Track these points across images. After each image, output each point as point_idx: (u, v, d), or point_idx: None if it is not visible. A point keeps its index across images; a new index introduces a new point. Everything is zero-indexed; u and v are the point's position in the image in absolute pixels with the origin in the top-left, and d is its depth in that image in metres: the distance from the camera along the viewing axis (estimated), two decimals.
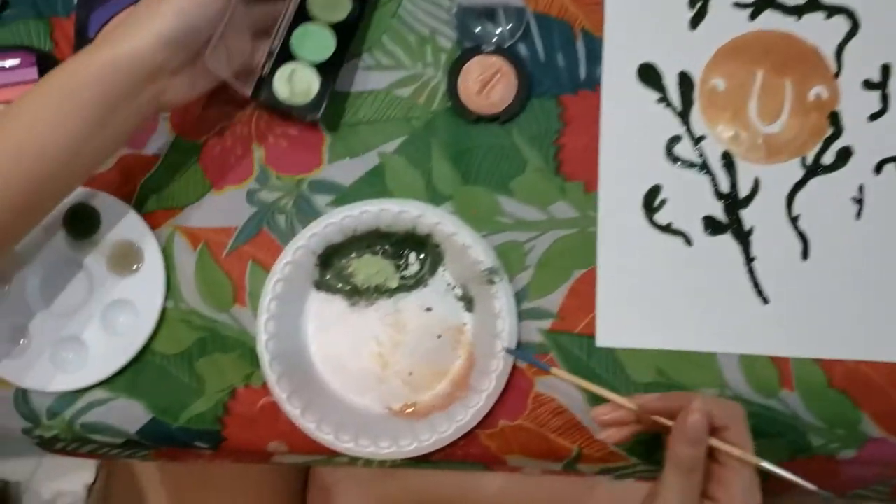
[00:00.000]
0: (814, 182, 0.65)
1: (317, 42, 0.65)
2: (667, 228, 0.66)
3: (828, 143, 0.66)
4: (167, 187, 0.67)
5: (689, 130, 0.66)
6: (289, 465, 0.69)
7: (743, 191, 0.66)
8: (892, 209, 0.65)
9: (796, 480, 0.54)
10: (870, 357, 0.64)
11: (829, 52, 0.66)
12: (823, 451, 0.64)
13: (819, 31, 0.66)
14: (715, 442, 0.53)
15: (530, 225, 0.66)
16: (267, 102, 0.65)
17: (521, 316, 0.64)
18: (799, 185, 0.66)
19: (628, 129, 0.66)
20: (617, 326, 0.65)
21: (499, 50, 0.66)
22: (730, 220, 0.65)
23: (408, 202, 0.65)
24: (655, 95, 0.67)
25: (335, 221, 0.64)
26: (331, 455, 0.65)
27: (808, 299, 0.65)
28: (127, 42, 0.55)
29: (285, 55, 0.64)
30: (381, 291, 0.66)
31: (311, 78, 0.64)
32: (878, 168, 0.65)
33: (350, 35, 0.65)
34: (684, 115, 0.66)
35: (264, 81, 0.64)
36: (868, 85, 0.66)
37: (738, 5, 0.66)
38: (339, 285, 0.66)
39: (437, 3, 0.67)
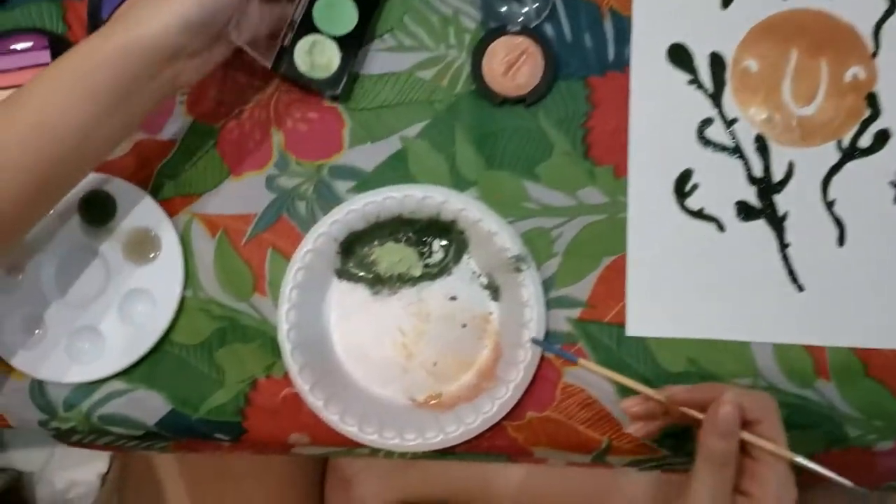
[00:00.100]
0: (850, 166, 0.63)
1: (339, 14, 0.63)
2: (698, 214, 0.64)
3: (865, 125, 0.64)
4: (184, 173, 0.65)
5: (720, 113, 0.64)
6: (307, 455, 0.68)
7: (777, 175, 0.64)
8: None
9: (831, 476, 0.52)
10: None
11: (866, 31, 0.64)
12: (860, 443, 0.62)
13: (856, 10, 0.64)
14: (747, 436, 0.51)
15: (558, 211, 0.64)
16: (287, 74, 0.63)
17: (549, 305, 0.63)
18: (835, 169, 0.64)
19: (658, 111, 0.64)
20: (647, 315, 0.63)
21: (524, 30, 0.64)
22: (763, 206, 0.64)
23: (432, 188, 0.63)
24: (686, 77, 0.65)
25: (357, 208, 0.63)
26: (353, 446, 0.63)
27: (844, 286, 0.63)
28: (144, 25, 0.53)
29: (307, 27, 0.63)
30: (404, 280, 0.64)
31: (332, 51, 0.63)
32: None
33: (372, 8, 0.64)
34: (716, 97, 0.64)
35: (285, 53, 0.62)
36: None
37: None
38: (362, 273, 0.65)
39: None
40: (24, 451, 1.14)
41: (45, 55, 0.64)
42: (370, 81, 0.65)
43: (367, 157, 0.65)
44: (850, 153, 0.63)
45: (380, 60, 0.66)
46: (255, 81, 0.66)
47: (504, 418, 0.62)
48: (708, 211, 0.64)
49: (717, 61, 0.65)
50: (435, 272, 0.64)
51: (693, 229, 0.64)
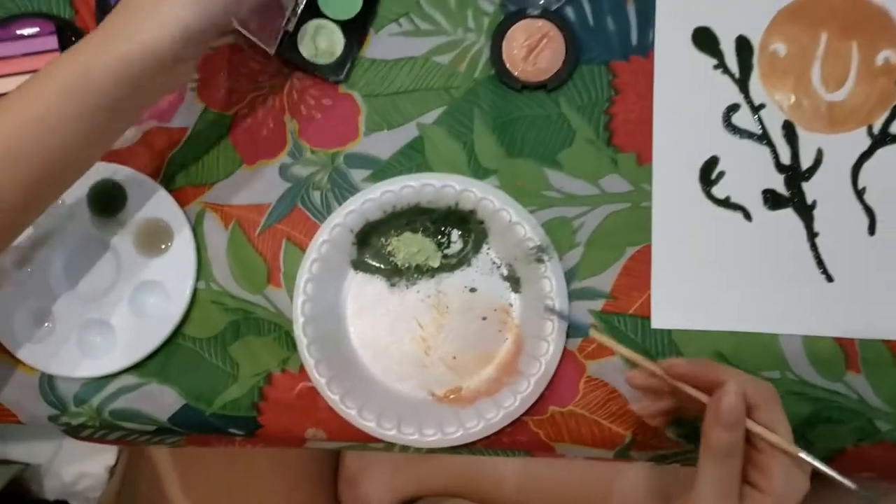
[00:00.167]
0: (881, 152, 0.62)
1: None
2: (725, 202, 0.62)
3: None
4: (196, 162, 0.64)
5: (747, 98, 0.62)
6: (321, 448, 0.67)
7: (805, 162, 0.62)
8: None
9: (834, 475, 0.48)
10: None
11: None
12: (891, 437, 0.60)
13: None
14: (751, 425, 0.48)
15: (580, 200, 0.62)
16: (291, 60, 0.62)
17: (571, 296, 0.61)
18: (865, 156, 0.62)
19: (683, 97, 0.63)
20: (673, 307, 0.61)
21: (545, 13, 0.62)
22: (791, 194, 0.62)
23: (450, 176, 0.61)
24: (712, 61, 0.63)
25: (374, 197, 0.61)
26: (369, 442, 0.62)
27: (875, 277, 0.61)
28: (144, 34, 0.50)
29: (312, 12, 0.62)
30: (422, 271, 0.63)
31: (335, 36, 0.62)
32: None
33: None
34: (743, 82, 0.63)
35: (289, 38, 0.61)
36: None
37: None
38: (379, 265, 0.63)
39: None
40: (32, 444, 1.12)
41: (52, 41, 0.62)
42: (386, 67, 0.64)
43: (383, 144, 0.63)
44: (882, 139, 0.62)
45: (395, 45, 0.64)
46: (268, 68, 0.64)
47: (525, 413, 0.60)
48: (734, 199, 0.62)
49: (743, 45, 0.63)
50: (454, 263, 0.63)
51: (719, 218, 0.62)
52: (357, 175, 0.63)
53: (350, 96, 0.64)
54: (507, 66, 0.62)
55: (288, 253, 0.63)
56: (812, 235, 0.62)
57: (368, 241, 0.63)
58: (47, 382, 0.63)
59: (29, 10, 0.64)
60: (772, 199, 0.62)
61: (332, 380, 0.60)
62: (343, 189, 0.63)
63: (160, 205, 0.62)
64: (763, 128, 0.62)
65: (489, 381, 0.61)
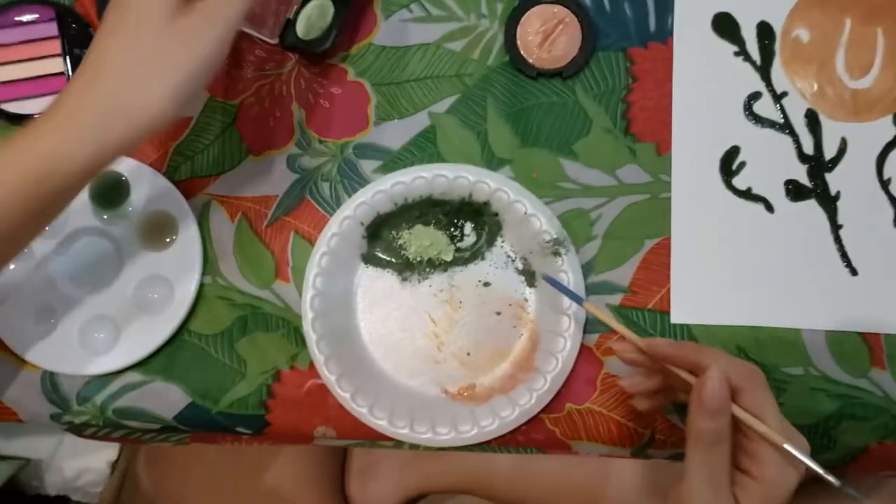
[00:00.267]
0: None
1: None
2: (746, 194, 0.60)
3: None
4: (201, 153, 0.62)
5: (769, 86, 0.61)
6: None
7: (829, 152, 0.60)
8: None
9: (818, 470, 0.46)
10: None
11: None
12: None
13: None
14: (737, 411, 0.46)
15: (597, 191, 0.60)
16: (291, 45, 0.59)
17: (588, 290, 0.59)
18: (891, 146, 0.60)
19: (703, 85, 0.61)
20: (693, 301, 0.60)
21: None
22: (814, 185, 0.60)
23: (464, 167, 0.60)
24: (732, 48, 0.61)
25: (385, 189, 0.59)
26: (380, 439, 0.60)
27: None
28: (140, 114, 0.47)
29: None
30: (434, 265, 0.61)
31: (329, 12, 0.59)
32: None
33: None
34: (764, 70, 0.61)
35: (291, 25, 0.59)
36: None
37: None
38: (390, 259, 0.61)
39: None
40: (33, 439, 1.11)
41: (52, 27, 0.60)
42: (396, 54, 0.62)
43: (394, 134, 0.61)
44: None
45: (406, 31, 0.62)
46: (274, 55, 0.62)
47: (541, 411, 0.59)
48: (756, 190, 0.60)
49: (765, 31, 0.61)
50: (467, 257, 0.61)
51: (740, 210, 0.60)
52: (367, 166, 0.61)
53: (359, 84, 0.62)
54: (522, 52, 0.61)
55: (296, 246, 0.61)
56: (836, 228, 0.60)
57: (379, 234, 0.61)
58: (49, 380, 0.61)
59: None
60: (794, 191, 0.60)
61: (343, 377, 0.59)
62: (353, 180, 0.61)
63: (165, 197, 0.60)
64: (785, 116, 0.60)
65: (504, 377, 0.60)
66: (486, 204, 0.60)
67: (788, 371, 0.59)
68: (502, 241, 0.61)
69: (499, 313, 0.61)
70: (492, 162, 0.61)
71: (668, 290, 0.60)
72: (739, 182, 0.60)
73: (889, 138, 0.60)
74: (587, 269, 0.60)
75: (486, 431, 0.58)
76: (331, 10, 0.59)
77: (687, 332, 0.59)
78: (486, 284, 0.61)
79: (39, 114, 0.48)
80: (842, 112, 0.60)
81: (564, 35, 0.60)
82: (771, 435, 0.45)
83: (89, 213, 0.60)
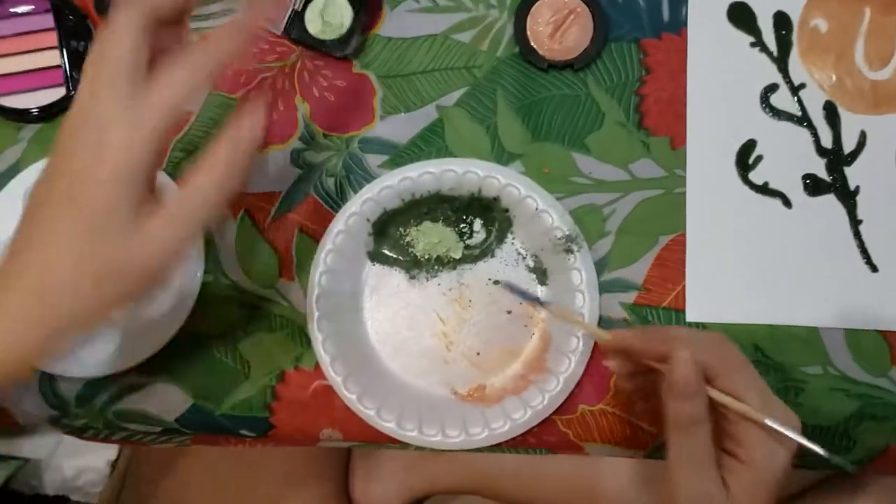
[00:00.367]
0: None
1: None
2: (763, 188, 0.59)
3: None
4: (202, 148, 0.60)
5: (786, 78, 0.59)
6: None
7: (848, 145, 0.59)
8: None
9: (805, 442, 0.45)
10: None
11: None
12: None
13: None
14: (714, 394, 0.45)
15: (610, 186, 0.59)
16: (299, 40, 0.58)
17: (601, 288, 0.58)
18: None
19: (718, 76, 0.59)
20: (709, 299, 0.58)
21: None
22: (833, 179, 0.59)
23: (473, 162, 0.58)
24: (748, 39, 0.60)
25: (392, 184, 0.58)
26: (387, 442, 0.59)
27: None
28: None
29: None
30: (443, 263, 0.59)
31: (344, 11, 0.58)
32: None
33: None
34: (781, 61, 0.59)
35: (297, 17, 0.58)
36: None
37: None
38: (397, 256, 0.60)
39: None
40: (32, 439, 1.10)
41: (48, 19, 0.59)
42: (402, 46, 0.60)
43: (401, 128, 0.60)
44: None
45: (413, 22, 0.60)
46: (276, 47, 0.60)
47: (553, 412, 0.57)
48: (773, 185, 0.59)
49: (782, 21, 0.60)
50: (476, 254, 0.59)
51: (757, 205, 0.59)
52: (373, 161, 0.60)
53: (365, 77, 0.60)
54: (532, 44, 0.59)
55: (301, 244, 0.59)
56: (855, 223, 0.58)
57: (386, 231, 0.59)
58: (47, 383, 0.59)
59: None
60: (812, 185, 0.59)
61: (349, 378, 0.57)
62: (358, 176, 0.59)
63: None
64: (803, 109, 0.59)
65: (515, 378, 0.58)
66: (496, 200, 0.58)
67: (807, 370, 0.57)
68: (513, 238, 0.59)
69: (509, 312, 0.59)
70: (502, 156, 0.59)
71: (684, 287, 0.58)
72: (756, 177, 0.59)
73: None
74: (600, 266, 0.58)
75: (497, 434, 0.57)
76: (349, 12, 0.58)
77: None
78: (497, 283, 0.59)
79: None
80: (861, 104, 0.59)
81: (576, 25, 0.59)
82: (750, 413, 0.44)
83: None
